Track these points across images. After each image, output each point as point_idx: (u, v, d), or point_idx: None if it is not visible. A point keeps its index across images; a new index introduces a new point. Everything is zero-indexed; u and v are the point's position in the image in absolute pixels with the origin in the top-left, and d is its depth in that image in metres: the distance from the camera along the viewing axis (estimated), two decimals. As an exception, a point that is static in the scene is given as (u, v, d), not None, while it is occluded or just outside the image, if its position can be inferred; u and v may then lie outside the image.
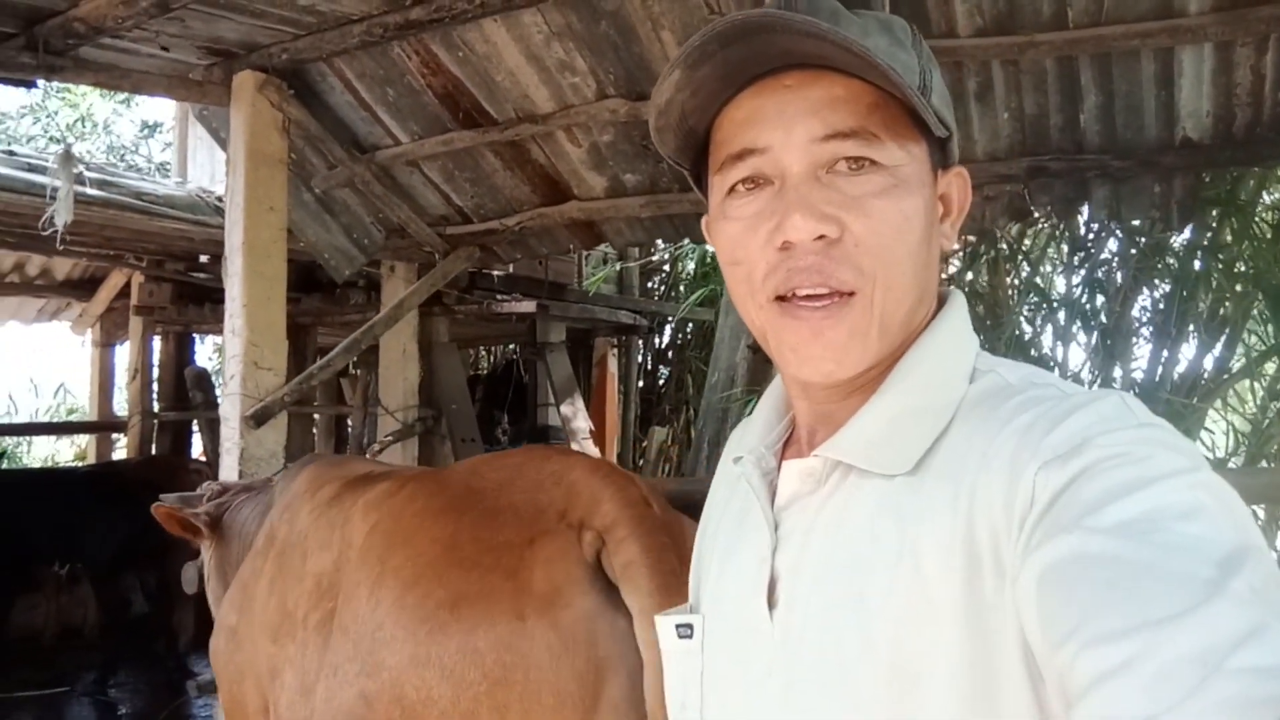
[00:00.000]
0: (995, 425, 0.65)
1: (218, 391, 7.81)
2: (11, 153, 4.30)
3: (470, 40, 3.84)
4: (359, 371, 7.59)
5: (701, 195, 0.80)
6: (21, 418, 11.36)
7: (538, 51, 3.82)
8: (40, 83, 3.85)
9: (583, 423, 7.24)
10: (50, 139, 9.90)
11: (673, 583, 1.43)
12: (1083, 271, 4.82)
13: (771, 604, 0.72)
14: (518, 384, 8.23)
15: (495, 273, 6.67)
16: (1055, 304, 4.85)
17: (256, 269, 4.03)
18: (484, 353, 9.92)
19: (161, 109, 11.58)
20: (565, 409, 7.24)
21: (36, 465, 10.10)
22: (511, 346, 9.33)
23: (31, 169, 4.18)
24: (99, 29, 3.48)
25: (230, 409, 4.04)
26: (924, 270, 0.72)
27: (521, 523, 1.59)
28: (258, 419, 4.00)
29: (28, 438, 10.64)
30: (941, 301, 0.77)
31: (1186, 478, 0.56)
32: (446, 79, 4.09)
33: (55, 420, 11.01)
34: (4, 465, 8.91)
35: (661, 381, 9.37)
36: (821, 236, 0.68)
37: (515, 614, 1.46)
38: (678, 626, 0.82)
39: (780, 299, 0.70)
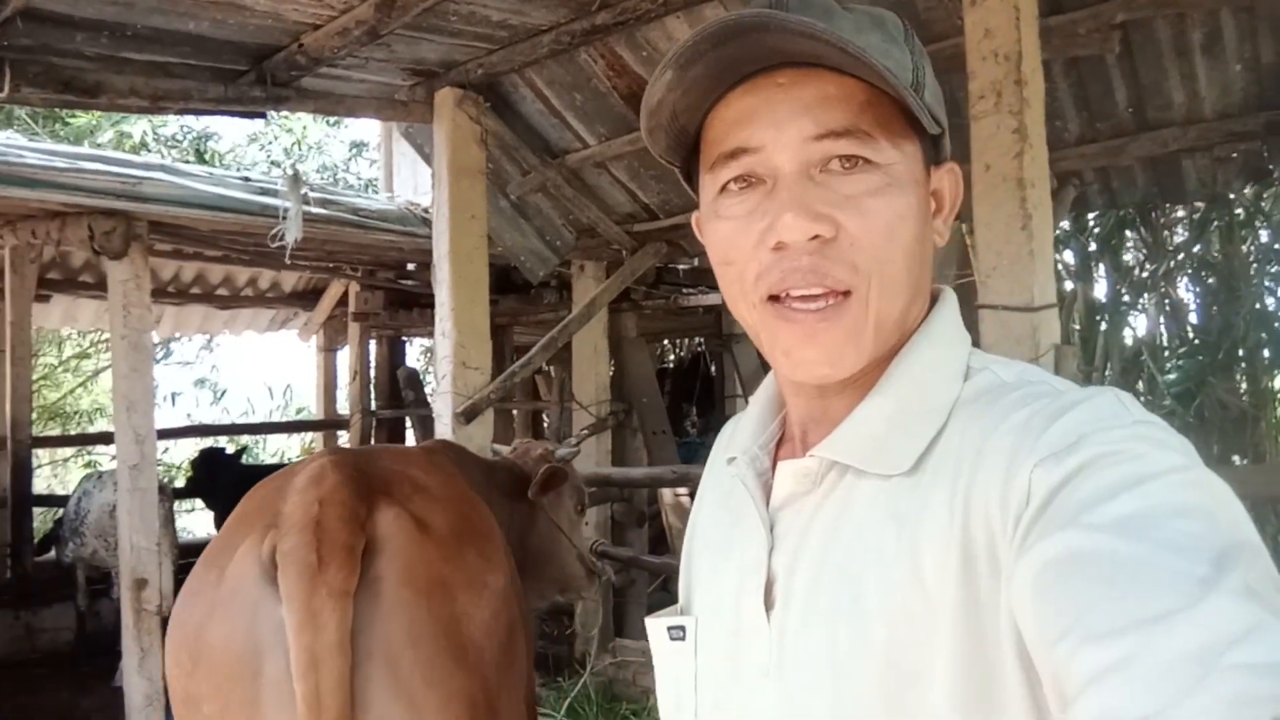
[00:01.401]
0: (991, 424, 0.64)
1: (427, 390, 8.31)
2: (247, 179, 4.76)
3: (654, 39, 3.90)
4: (552, 369, 7.88)
5: (692, 192, 0.79)
6: (257, 418, 12.59)
7: (720, 44, 3.82)
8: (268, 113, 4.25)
9: (772, 414, 7.18)
10: (272, 163, 10.85)
11: (306, 573, 1.63)
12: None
13: (768, 605, 0.72)
14: (704, 376, 8.27)
15: (680, 267, 6.74)
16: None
17: (461, 274, 4.27)
18: (670, 346, 10.05)
19: (367, 130, 12.47)
20: (754, 400, 7.23)
21: (271, 461, 11.16)
22: (697, 340, 9.41)
23: (264, 192, 4.62)
24: (318, 59, 3.79)
25: (443, 406, 4.31)
26: (918, 268, 0.71)
27: (245, 526, 1.82)
28: (467, 415, 4.24)
29: (264, 436, 11.79)
30: (933, 300, 0.76)
31: (1182, 475, 0.55)
32: (631, 79, 4.17)
33: (285, 420, 12.13)
34: (244, 460, 9.86)
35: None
36: (816, 236, 0.67)
37: (210, 605, 1.74)
38: (669, 628, 0.81)
39: (774, 299, 0.69)
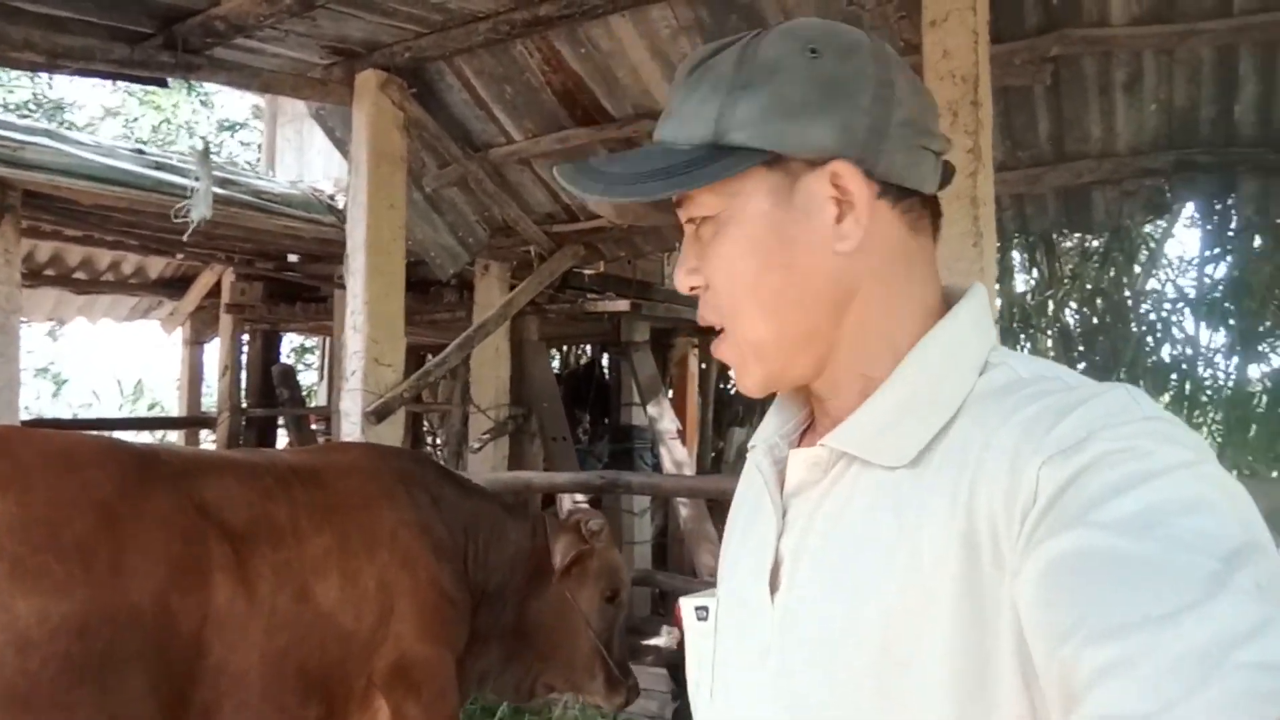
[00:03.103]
0: (999, 418, 0.65)
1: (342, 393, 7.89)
2: (140, 151, 4.38)
3: (595, 37, 3.83)
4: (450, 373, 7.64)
5: None
6: (103, 413, 11.66)
7: (663, 47, 3.80)
8: (113, 84, 3.93)
9: (669, 423, 7.20)
10: (139, 140, 10.12)
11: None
12: (1220, 270, 4.66)
13: (774, 587, 0.74)
14: (599, 383, 8.21)
15: (585, 271, 6.67)
16: (1188, 303, 4.70)
17: (378, 266, 4.06)
18: (563, 351, 9.94)
19: (242, 109, 11.80)
20: (651, 409, 7.21)
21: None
22: (585, 348, 9.34)
23: (158, 166, 4.26)
24: (239, 27, 3.53)
25: (351, 404, 4.07)
26: (782, 294, 0.72)
27: None
28: (379, 414, 4.03)
29: (115, 432, 10.92)
30: (958, 295, 0.77)
31: (1191, 471, 0.55)
32: (567, 76, 4.09)
33: (141, 416, 11.27)
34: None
35: (733, 382, 9.31)
36: (694, 287, 0.76)
37: None
38: (696, 608, 0.86)
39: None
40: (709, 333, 0.78)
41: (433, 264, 5.13)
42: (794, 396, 0.85)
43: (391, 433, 4.16)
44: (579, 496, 6.31)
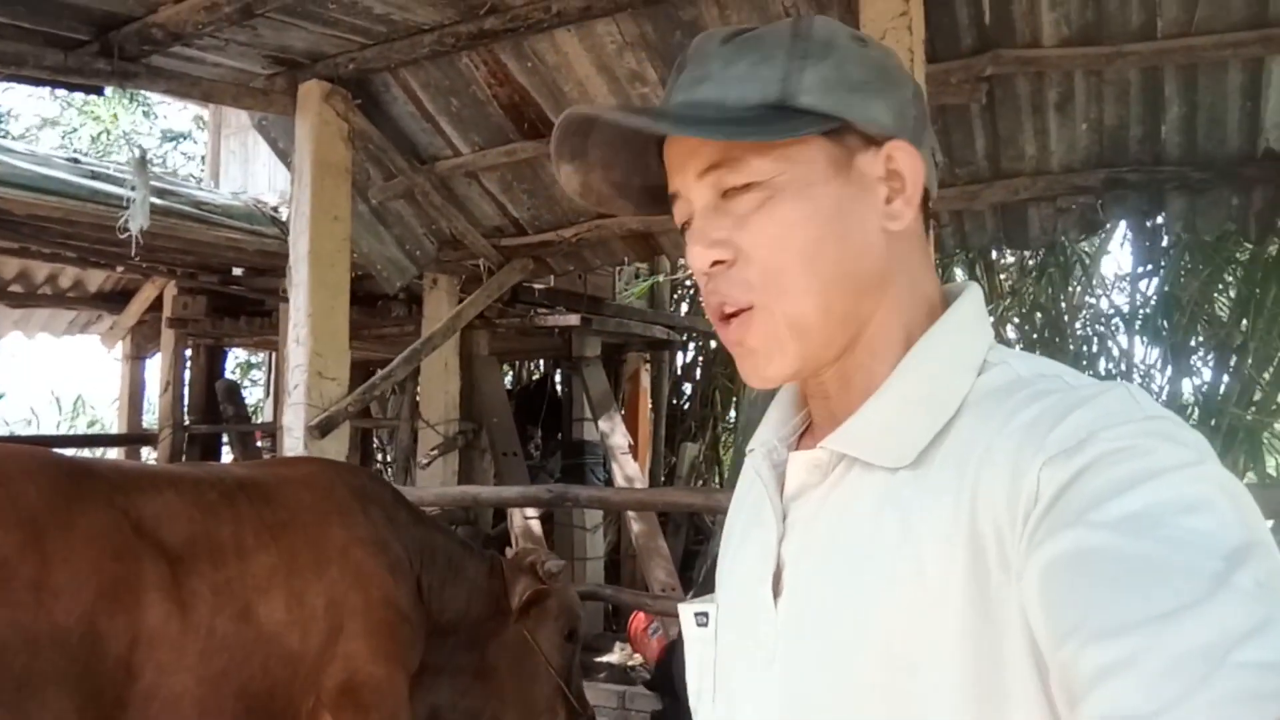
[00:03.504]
0: (1000, 419, 0.64)
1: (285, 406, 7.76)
2: (76, 160, 4.29)
3: (541, 50, 3.84)
4: (396, 387, 7.55)
5: None
6: (41, 430, 11.33)
7: (609, 62, 3.81)
8: (52, 94, 3.85)
9: (621, 438, 7.19)
10: (76, 151, 9.90)
11: None
12: (1144, 284, 4.79)
13: (776, 592, 0.74)
14: (551, 399, 8.18)
15: (537, 286, 6.65)
16: (1123, 318, 4.82)
17: (321, 278, 4.01)
18: (515, 367, 9.89)
19: (185, 120, 11.61)
20: (603, 424, 7.20)
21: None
22: (538, 363, 9.30)
23: (94, 176, 4.17)
24: (177, 35, 3.48)
25: (294, 419, 4.01)
26: (834, 265, 0.71)
27: None
28: (322, 429, 3.97)
29: (56, 449, 10.57)
30: (955, 294, 0.77)
31: (1192, 470, 0.55)
32: (513, 89, 4.08)
33: (81, 434, 10.97)
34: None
35: (685, 398, 9.33)
36: (717, 261, 0.71)
37: None
38: (696, 614, 0.84)
39: (716, 321, 0.75)
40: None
41: (379, 277, 5.08)
42: (792, 398, 0.85)
43: (336, 447, 4.10)
44: (530, 511, 6.28)
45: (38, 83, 3.40)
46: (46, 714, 1.86)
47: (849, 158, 0.72)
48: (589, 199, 0.81)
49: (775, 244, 0.70)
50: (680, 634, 0.92)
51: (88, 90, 3.69)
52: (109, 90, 3.86)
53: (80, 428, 11.87)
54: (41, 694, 1.86)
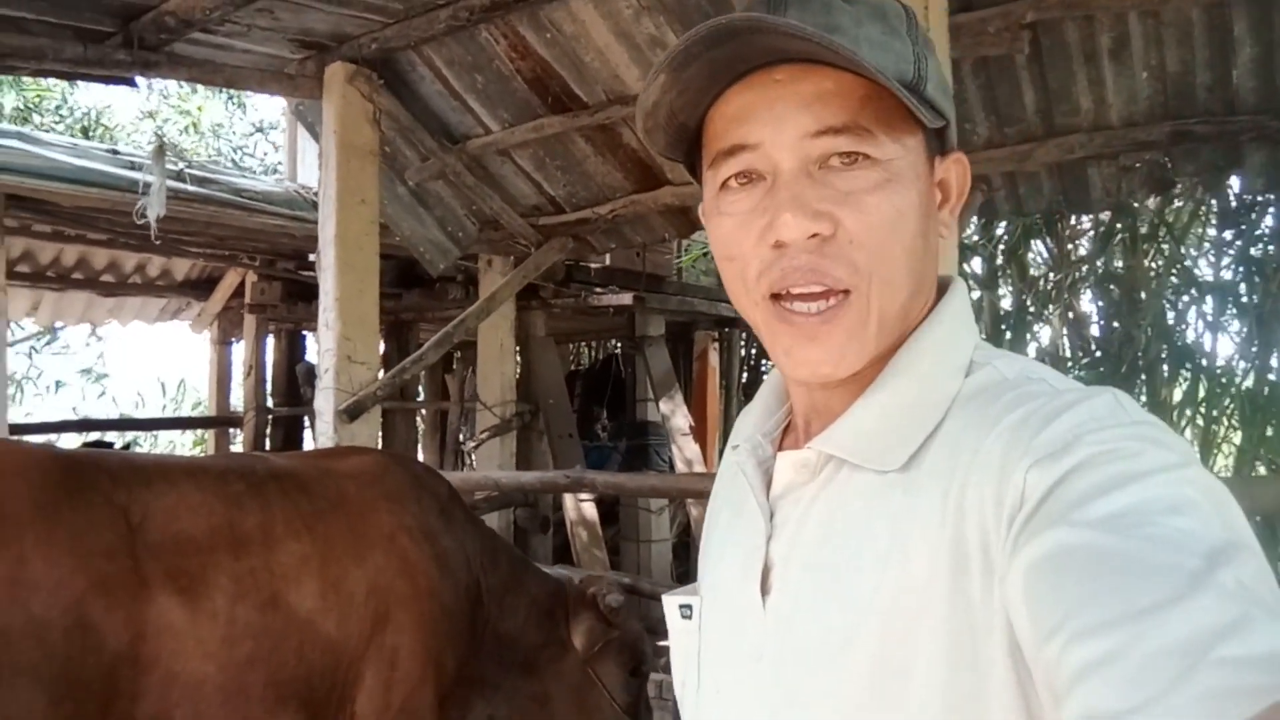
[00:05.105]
0: (987, 423, 0.64)
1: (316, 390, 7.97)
2: (115, 151, 4.40)
3: (558, 20, 3.71)
4: (458, 368, 7.60)
5: (698, 183, 0.79)
6: (151, 413, 11.94)
7: (627, 28, 3.65)
8: (149, 87, 3.91)
9: (682, 420, 7.05)
10: (166, 143, 10.32)
11: None
12: (1234, 250, 4.34)
13: (765, 590, 0.73)
14: (616, 379, 8.11)
15: (592, 265, 6.55)
16: (1202, 287, 4.38)
17: (348, 261, 4.00)
18: (583, 348, 9.85)
19: (272, 111, 11.96)
20: (664, 405, 7.07)
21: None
22: (612, 341, 9.23)
23: (134, 167, 4.26)
24: (189, 22, 3.49)
25: (324, 403, 4.02)
26: (920, 263, 0.71)
27: None
28: (351, 413, 3.97)
29: (152, 432, 11.14)
30: (942, 290, 0.76)
31: (1176, 473, 0.55)
32: (535, 62, 3.97)
33: (171, 416, 11.50)
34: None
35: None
36: (815, 234, 0.67)
37: None
38: (680, 606, 0.84)
39: (775, 296, 0.70)
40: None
41: (422, 259, 5.06)
42: (776, 394, 0.84)
43: (366, 431, 4.09)
44: (585, 497, 6.21)
45: (60, 75, 3.46)
46: (14, 704, 1.88)
47: (932, 159, 0.72)
48: (647, 123, 0.74)
49: (888, 231, 0.68)
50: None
51: (117, 82, 3.75)
52: (152, 89, 3.90)
53: (186, 409, 12.44)
54: (11, 684, 1.87)
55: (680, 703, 0.84)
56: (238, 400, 9.44)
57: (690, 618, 0.83)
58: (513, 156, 4.59)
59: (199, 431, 10.44)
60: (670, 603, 0.85)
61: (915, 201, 0.69)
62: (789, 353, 0.71)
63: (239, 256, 7.21)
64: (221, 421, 8.89)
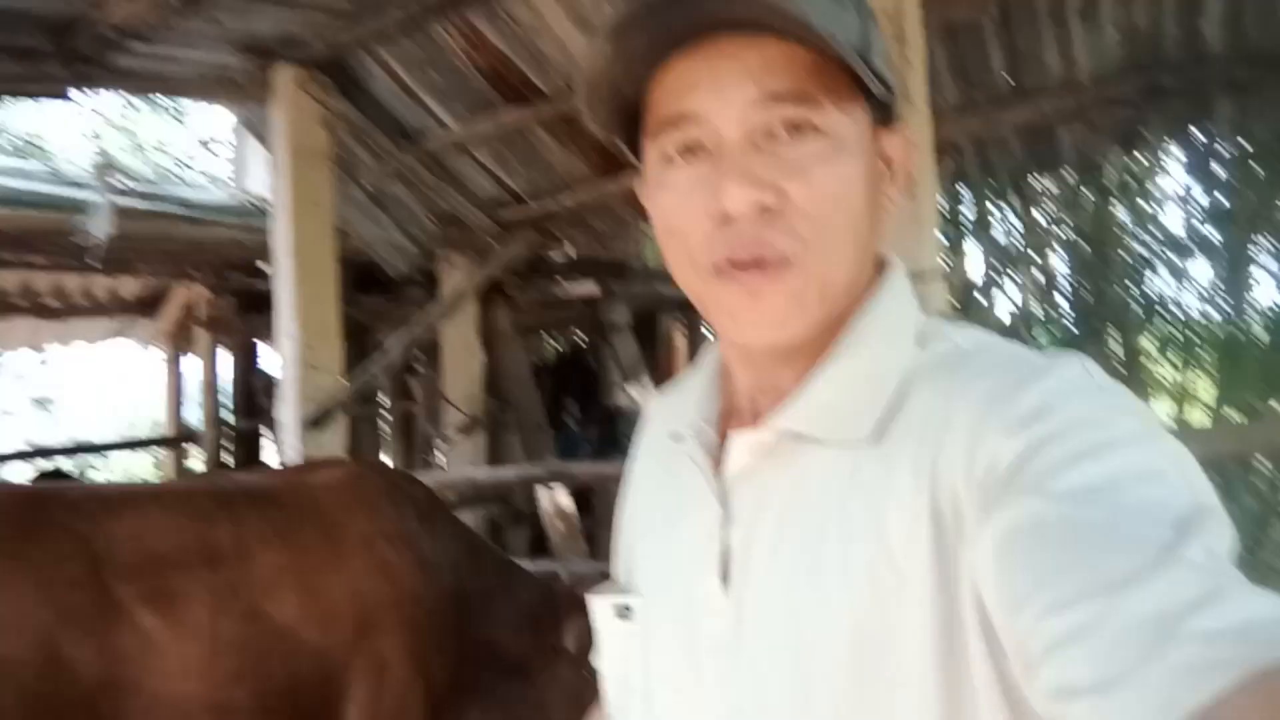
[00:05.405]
0: (955, 392, 0.64)
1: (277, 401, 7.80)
2: (55, 171, 4.19)
3: (514, 10, 3.60)
4: (423, 369, 7.47)
5: (636, 161, 0.77)
6: (105, 436, 11.59)
7: (585, 14, 3.56)
8: (90, 109, 3.73)
9: (653, 406, 7.00)
10: (109, 163, 9.99)
11: None
12: (1199, 201, 4.39)
13: (724, 579, 0.71)
14: (585, 368, 8.04)
15: (555, 256, 6.46)
16: (1171, 239, 4.43)
17: (306, 267, 3.87)
18: (549, 339, 9.77)
19: (215, 123, 11.61)
20: (634, 392, 7.03)
21: (118, 481, 10.27)
22: (576, 331, 9.15)
23: (78, 185, 4.06)
24: (130, 34, 3.33)
25: (288, 413, 3.90)
26: (865, 236, 0.70)
27: None
28: (316, 422, 3.85)
29: (107, 455, 10.80)
30: (880, 266, 0.76)
31: (1144, 442, 0.56)
32: (492, 55, 3.86)
33: (125, 440, 11.18)
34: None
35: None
36: (761, 206, 0.65)
37: None
38: (615, 606, 0.80)
39: (719, 269, 0.68)
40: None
41: (382, 262, 4.94)
42: (712, 377, 0.81)
43: (333, 439, 3.97)
44: (559, 487, 6.14)
45: (-5, 94, 3.28)
46: None
47: (878, 132, 0.71)
48: (590, 96, 0.71)
49: (833, 201, 0.66)
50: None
51: (51, 96, 3.58)
52: (86, 108, 3.73)
53: (140, 431, 12.11)
54: None
55: (622, 711, 0.80)
56: (193, 417, 9.21)
57: (629, 617, 0.79)
58: (471, 152, 4.48)
59: (156, 452, 10.16)
60: (601, 604, 0.82)
61: (862, 173, 0.68)
62: (733, 315, 0.69)
63: (188, 270, 6.98)
64: (178, 440, 8.65)
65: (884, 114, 0.72)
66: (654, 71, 0.69)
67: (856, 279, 0.71)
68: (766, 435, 0.71)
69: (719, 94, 0.66)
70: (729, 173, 0.65)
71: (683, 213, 0.69)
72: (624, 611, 0.80)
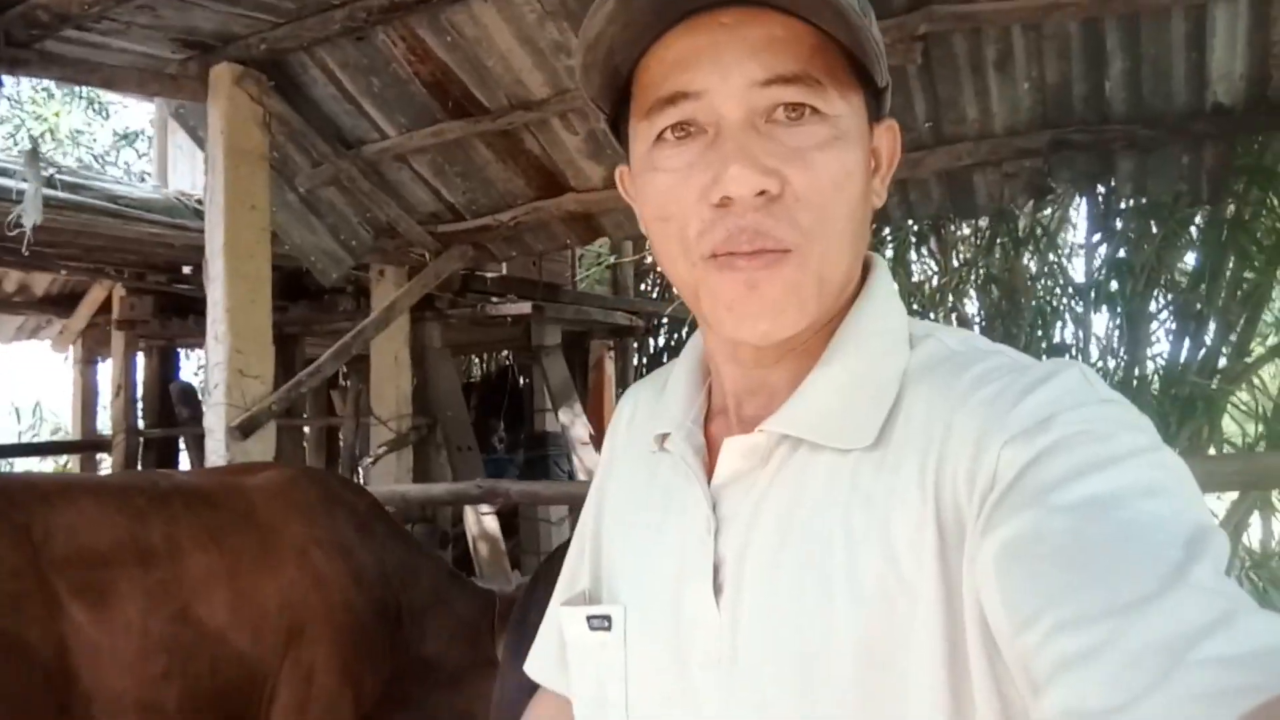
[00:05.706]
0: (957, 397, 0.62)
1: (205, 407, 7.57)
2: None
3: (459, 23, 3.65)
4: (349, 382, 7.37)
5: (619, 145, 0.75)
6: (5, 439, 11.07)
7: (530, 33, 3.63)
8: (4, 95, 3.64)
9: (581, 429, 7.03)
10: (20, 153, 9.64)
11: None
12: (1102, 252, 4.65)
13: (716, 589, 0.68)
14: (513, 390, 8.03)
15: (488, 275, 6.47)
16: (1075, 288, 4.67)
17: (239, 271, 3.82)
18: (477, 360, 9.71)
19: (138, 117, 11.33)
20: (563, 415, 7.04)
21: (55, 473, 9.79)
22: (505, 353, 9.12)
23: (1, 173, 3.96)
24: (64, 18, 3.27)
25: (215, 420, 3.82)
26: (860, 228, 0.69)
27: None
28: (244, 430, 3.79)
29: (8, 460, 10.34)
30: (866, 265, 0.74)
31: (1148, 456, 0.55)
32: (435, 66, 3.89)
33: (32, 442, 10.70)
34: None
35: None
36: (763, 192, 0.63)
37: None
38: (590, 618, 0.76)
39: (715, 256, 0.66)
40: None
41: (314, 269, 4.89)
42: (694, 377, 0.79)
43: (261, 448, 3.91)
44: (484, 506, 6.11)
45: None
46: None
47: (871, 122, 0.70)
48: (586, 57, 0.68)
49: (834, 191, 0.64)
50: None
51: (-23, 79, 3.49)
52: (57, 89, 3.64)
53: (44, 435, 11.61)
54: None
55: None
56: (104, 424, 8.88)
57: (608, 629, 0.75)
58: (410, 163, 4.49)
59: (61, 459, 9.75)
60: (575, 615, 0.78)
61: (860, 163, 0.66)
62: (731, 308, 0.65)
63: (106, 269, 6.78)
64: (88, 446, 8.34)
65: (878, 105, 0.71)
66: (649, 45, 0.67)
67: (850, 275, 0.69)
68: (759, 439, 0.68)
69: (720, 72, 0.63)
70: (732, 154, 0.63)
71: (678, 197, 0.66)
72: (600, 622, 0.76)
